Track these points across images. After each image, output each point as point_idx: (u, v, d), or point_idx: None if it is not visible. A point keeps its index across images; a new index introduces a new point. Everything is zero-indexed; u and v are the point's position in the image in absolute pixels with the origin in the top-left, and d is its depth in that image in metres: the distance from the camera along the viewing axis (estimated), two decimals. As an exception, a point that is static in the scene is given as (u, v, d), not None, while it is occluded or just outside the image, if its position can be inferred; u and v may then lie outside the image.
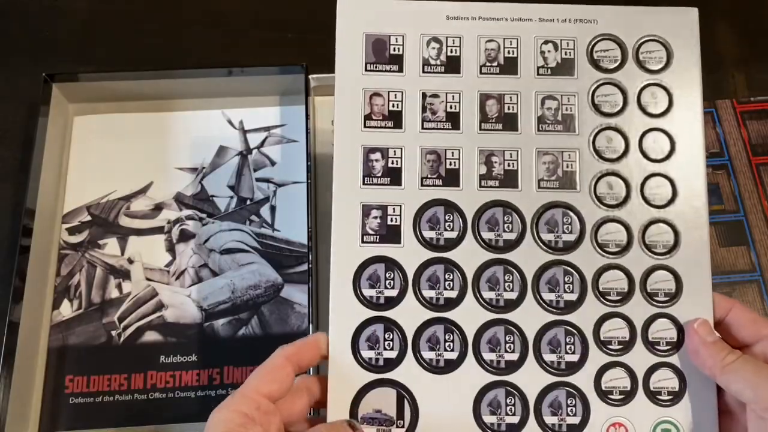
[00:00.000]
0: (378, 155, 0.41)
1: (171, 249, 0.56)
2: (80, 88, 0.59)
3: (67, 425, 0.51)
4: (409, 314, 0.40)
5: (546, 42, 0.43)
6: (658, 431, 0.39)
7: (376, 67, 0.42)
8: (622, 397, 0.40)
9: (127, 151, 0.59)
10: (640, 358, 0.40)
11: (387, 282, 0.40)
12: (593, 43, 0.43)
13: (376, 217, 0.41)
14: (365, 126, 0.42)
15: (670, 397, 0.40)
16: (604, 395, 0.40)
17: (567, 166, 0.42)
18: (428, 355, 0.40)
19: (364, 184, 0.41)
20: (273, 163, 0.59)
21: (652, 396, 0.40)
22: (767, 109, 0.62)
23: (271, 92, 0.61)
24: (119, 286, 0.55)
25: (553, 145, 0.42)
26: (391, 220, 0.41)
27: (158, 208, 0.58)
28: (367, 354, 0.40)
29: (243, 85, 0.60)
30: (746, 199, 0.58)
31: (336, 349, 0.40)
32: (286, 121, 0.60)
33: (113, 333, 0.54)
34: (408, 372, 0.40)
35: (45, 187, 0.55)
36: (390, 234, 0.41)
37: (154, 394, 0.52)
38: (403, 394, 0.39)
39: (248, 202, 0.58)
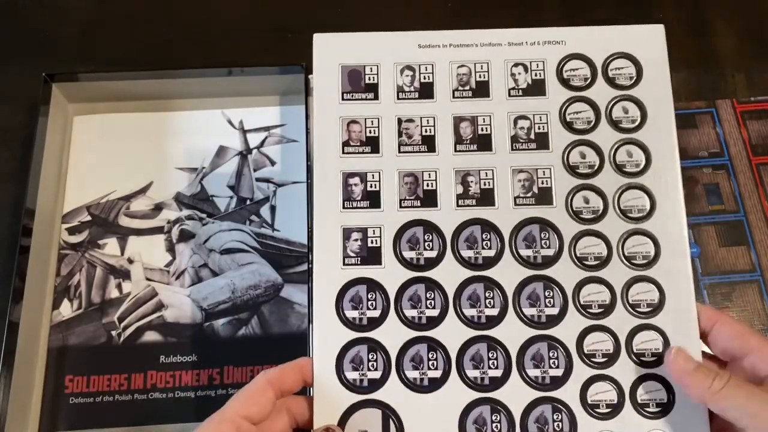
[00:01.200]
0: (357, 179, 0.42)
1: (171, 249, 0.56)
2: (80, 88, 0.59)
3: (67, 425, 0.51)
4: (392, 334, 0.41)
5: (516, 64, 0.44)
6: None
7: (352, 96, 0.44)
8: (609, 410, 0.40)
9: (127, 151, 0.59)
10: (625, 371, 0.40)
11: (369, 303, 0.41)
12: (563, 63, 0.44)
13: (356, 240, 0.42)
14: (344, 152, 0.43)
15: (659, 408, 0.40)
16: (590, 408, 0.40)
17: (542, 183, 0.42)
18: (412, 374, 0.40)
19: (344, 207, 0.42)
20: (273, 163, 0.59)
21: (640, 408, 0.40)
22: (767, 109, 0.62)
23: (271, 92, 0.61)
24: (119, 286, 0.55)
25: (527, 162, 0.43)
26: (372, 242, 0.42)
27: (158, 208, 0.58)
28: (351, 375, 0.40)
29: (243, 85, 0.60)
30: (746, 199, 0.58)
31: (321, 371, 0.40)
32: (286, 121, 0.60)
33: (113, 333, 0.53)
34: (392, 392, 0.40)
35: (45, 187, 0.55)
36: (371, 255, 0.41)
37: (154, 394, 0.52)
38: (389, 414, 0.40)
39: (248, 202, 0.58)
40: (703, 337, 0.40)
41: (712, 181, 0.59)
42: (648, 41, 0.45)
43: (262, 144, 0.60)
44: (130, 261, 0.56)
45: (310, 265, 0.52)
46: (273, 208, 0.58)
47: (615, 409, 0.40)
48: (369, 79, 0.44)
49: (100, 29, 0.66)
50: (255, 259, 0.56)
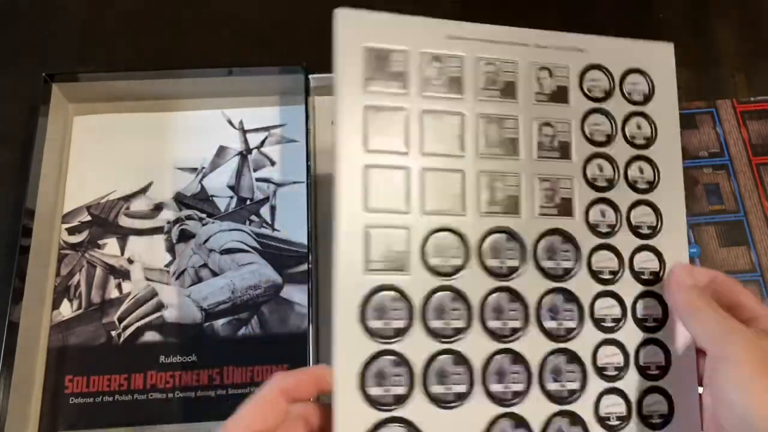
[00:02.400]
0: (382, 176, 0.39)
1: (171, 249, 0.56)
2: (80, 88, 0.59)
3: (67, 425, 0.51)
4: (418, 346, 0.38)
5: (542, 68, 0.43)
6: None
7: (377, 84, 0.40)
8: (618, 422, 0.40)
9: (127, 151, 0.59)
10: (633, 383, 0.40)
11: (394, 312, 0.38)
12: (584, 72, 0.43)
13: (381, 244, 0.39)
14: (368, 149, 0.40)
15: (660, 420, 0.40)
16: (602, 421, 0.40)
17: (565, 194, 0.42)
18: (437, 389, 0.38)
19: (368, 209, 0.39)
20: (273, 163, 0.59)
21: (645, 419, 0.40)
22: (767, 109, 0.62)
23: (271, 92, 0.61)
24: (119, 286, 0.55)
25: (551, 171, 0.42)
26: (397, 247, 0.39)
27: (158, 208, 0.58)
28: (375, 391, 0.37)
29: (243, 85, 0.60)
30: (746, 199, 0.58)
31: (341, 386, 0.37)
32: (286, 121, 0.60)
33: (113, 333, 0.53)
34: (417, 410, 0.38)
35: (45, 187, 0.55)
36: (397, 261, 0.39)
37: (154, 394, 0.52)
38: None
39: (248, 202, 0.58)
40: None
41: (713, 181, 0.59)
42: (659, 59, 0.44)
43: (262, 144, 0.60)
44: (130, 261, 0.56)
45: (310, 265, 0.52)
46: (273, 208, 0.58)
47: (623, 421, 0.40)
48: (396, 66, 0.40)
49: (100, 29, 0.66)
50: (255, 259, 0.56)
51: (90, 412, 0.51)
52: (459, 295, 0.39)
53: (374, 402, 0.37)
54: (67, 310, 0.54)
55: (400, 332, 0.38)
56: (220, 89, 0.60)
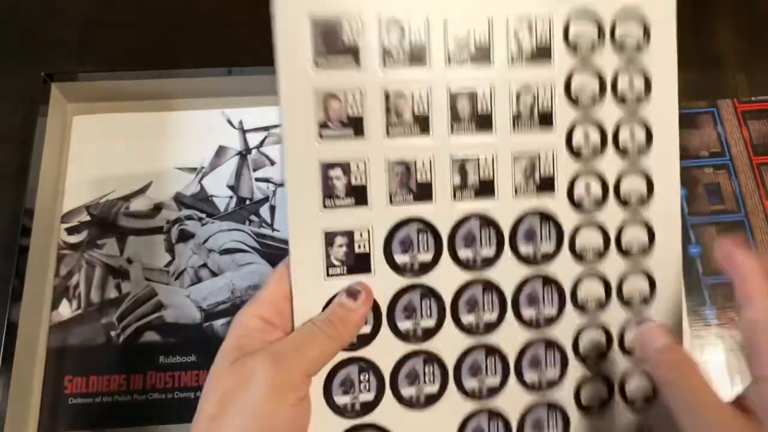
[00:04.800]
0: (338, 171, 0.35)
1: (170, 249, 0.56)
2: (80, 87, 0.59)
3: (67, 426, 0.51)
4: (386, 350, 0.36)
5: (520, 21, 0.36)
6: None
7: (326, 58, 0.34)
8: (600, 407, 0.39)
9: (126, 151, 0.59)
10: (616, 368, 0.39)
11: None
12: (570, 21, 0.37)
13: (341, 245, 0.35)
14: (321, 136, 0.35)
15: (645, 403, 0.39)
16: (583, 409, 0.39)
17: (545, 170, 0.37)
18: (408, 392, 0.36)
19: (324, 207, 0.35)
20: (272, 163, 0.59)
21: (629, 404, 0.39)
22: (767, 109, 0.62)
23: (271, 92, 0.60)
24: (118, 287, 0.55)
25: (530, 145, 0.37)
26: (359, 247, 0.36)
27: (157, 208, 0.58)
28: (341, 400, 0.36)
29: (243, 85, 0.59)
30: (747, 199, 0.58)
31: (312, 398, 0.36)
32: (286, 121, 0.60)
33: (112, 333, 0.53)
34: (387, 414, 0.36)
35: (44, 187, 0.55)
36: (358, 263, 0.35)
37: (154, 394, 0.52)
38: None
39: (248, 202, 0.58)
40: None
41: (713, 181, 0.59)
42: (656, 2, 0.38)
43: (261, 144, 0.60)
44: (130, 261, 0.56)
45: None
46: (272, 208, 0.58)
47: (605, 405, 0.39)
48: (348, 35, 0.34)
49: (100, 29, 0.65)
50: (255, 259, 0.56)
51: (89, 412, 0.51)
52: (430, 293, 0.36)
53: (341, 410, 0.36)
54: (66, 310, 0.54)
55: (365, 338, 0.36)
56: (220, 89, 0.60)
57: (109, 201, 0.58)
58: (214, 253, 0.56)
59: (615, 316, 0.39)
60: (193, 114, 0.61)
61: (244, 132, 0.60)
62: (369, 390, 0.36)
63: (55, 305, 0.54)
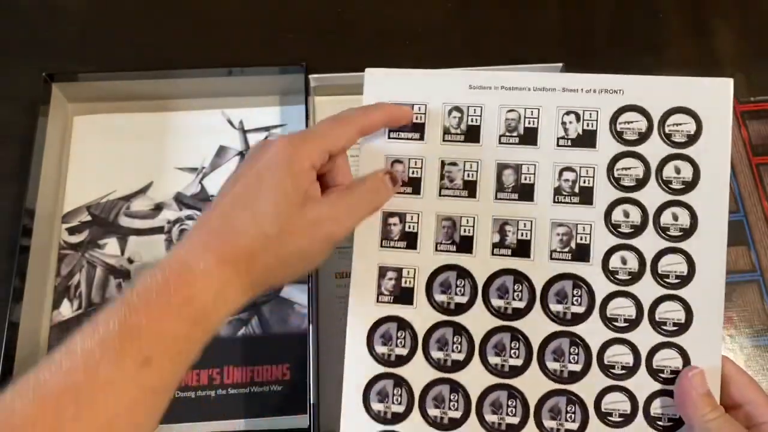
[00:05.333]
0: (396, 219, 0.43)
1: (171, 249, 0.56)
2: (80, 88, 0.59)
3: (67, 425, 0.51)
4: (418, 372, 0.41)
5: (568, 113, 0.42)
6: None
7: (399, 135, 0.43)
8: None
9: (127, 151, 0.59)
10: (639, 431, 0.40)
11: (398, 341, 0.42)
12: (618, 114, 0.42)
13: (391, 279, 0.42)
14: None
15: None
16: None
17: (581, 239, 0.41)
18: (433, 412, 0.41)
19: (381, 246, 0.42)
20: (273, 163, 0.59)
21: None
22: (767, 109, 0.62)
23: (271, 92, 0.61)
24: (119, 286, 0.55)
25: (568, 217, 0.42)
26: (405, 282, 0.42)
27: (158, 208, 0.58)
28: (376, 406, 0.41)
29: (243, 85, 0.60)
30: (746, 199, 0.58)
31: (348, 400, 0.41)
32: (286, 121, 0.60)
33: (113, 333, 0.53)
34: (413, 427, 0.41)
35: (45, 187, 0.55)
36: (404, 295, 0.42)
37: (154, 394, 0.52)
38: None
39: (248, 202, 0.58)
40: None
41: (712, 181, 0.59)
42: (713, 95, 0.41)
43: (262, 144, 0.60)
44: (131, 261, 0.56)
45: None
46: (273, 208, 0.58)
47: None
48: (417, 118, 0.43)
49: (100, 29, 0.66)
50: (255, 259, 0.56)
51: (90, 412, 0.51)
52: (462, 330, 0.42)
53: (375, 416, 0.41)
54: (67, 310, 0.54)
55: (402, 359, 0.42)
56: (220, 89, 0.60)
57: (109, 201, 0.58)
58: (215, 253, 0.56)
59: (642, 383, 0.41)
60: (194, 114, 0.61)
61: (244, 132, 0.60)
62: (400, 403, 0.41)
63: (56, 305, 0.54)
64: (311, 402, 0.48)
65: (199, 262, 0.34)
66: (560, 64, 0.56)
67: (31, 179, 0.54)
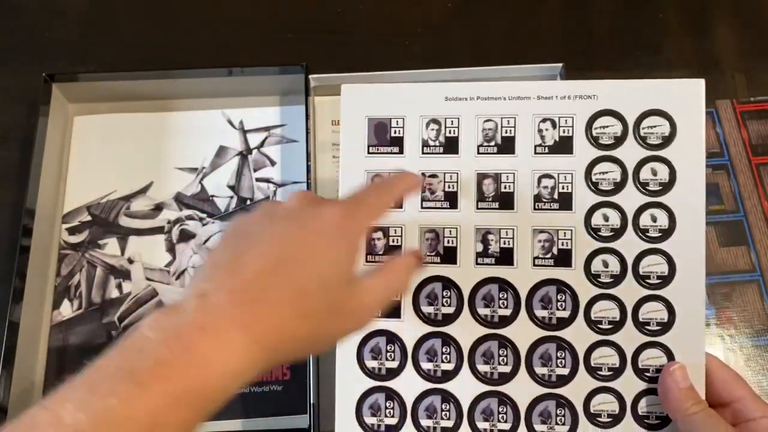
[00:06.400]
0: (380, 234, 0.43)
1: (171, 249, 0.56)
2: (80, 88, 0.59)
3: (68, 425, 0.51)
4: (409, 384, 0.42)
5: (544, 120, 0.43)
6: None
7: (378, 149, 0.44)
8: None
9: (127, 151, 0.59)
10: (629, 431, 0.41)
11: (388, 354, 0.42)
12: (593, 119, 0.43)
13: None
14: None
15: None
16: None
17: (562, 244, 0.42)
18: (426, 423, 0.42)
19: (366, 261, 0.43)
20: (273, 163, 0.59)
21: None
22: (767, 109, 0.62)
23: (271, 92, 0.61)
24: (119, 286, 0.55)
25: (549, 223, 0.42)
26: None
27: (158, 208, 0.58)
28: (369, 420, 0.42)
29: (243, 85, 0.60)
30: (746, 199, 0.58)
31: (341, 414, 0.42)
32: (286, 121, 0.60)
33: (113, 333, 0.53)
34: None
35: (45, 187, 0.55)
36: (391, 309, 0.42)
37: (154, 394, 0.52)
38: None
39: (248, 202, 0.58)
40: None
41: (712, 182, 0.59)
42: (685, 97, 0.42)
43: (262, 144, 0.60)
44: (131, 261, 0.56)
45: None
46: (273, 208, 0.58)
47: None
48: (395, 132, 0.44)
49: (100, 29, 0.66)
50: (255, 259, 0.56)
51: (90, 412, 0.51)
52: (450, 340, 0.42)
53: (369, 429, 0.42)
54: (67, 310, 0.54)
55: (393, 372, 0.42)
56: (220, 89, 0.60)
57: (110, 201, 0.58)
58: (215, 253, 0.56)
59: (629, 383, 0.41)
60: (194, 114, 0.61)
61: (244, 132, 0.60)
62: (393, 416, 0.42)
63: (56, 305, 0.54)
64: (311, 402, 0.48)
65: (221, 338, 0.28)
66: (560, 64, 0.56)
67: (31, 179, 0.54)
